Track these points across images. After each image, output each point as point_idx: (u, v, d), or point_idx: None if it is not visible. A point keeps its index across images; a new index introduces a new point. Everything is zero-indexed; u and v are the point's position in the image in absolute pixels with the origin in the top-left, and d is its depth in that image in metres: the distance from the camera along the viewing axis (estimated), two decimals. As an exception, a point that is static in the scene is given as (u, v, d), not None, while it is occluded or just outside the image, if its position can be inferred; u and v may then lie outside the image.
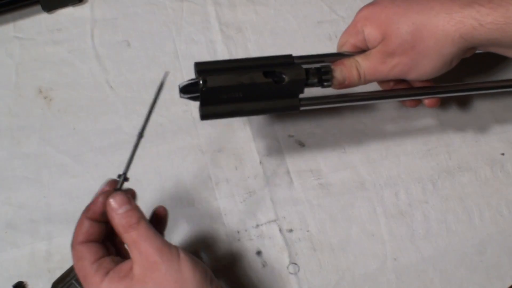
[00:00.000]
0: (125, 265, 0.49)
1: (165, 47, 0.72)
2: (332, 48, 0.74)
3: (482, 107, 0.73)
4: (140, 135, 0.52)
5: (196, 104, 0.69)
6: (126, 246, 0.51)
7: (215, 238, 0.64)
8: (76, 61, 0.70)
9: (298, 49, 0.74)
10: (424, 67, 0.57)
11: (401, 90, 0.63)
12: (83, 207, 0.64)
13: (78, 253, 0.49)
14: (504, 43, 0.55)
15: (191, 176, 0.66)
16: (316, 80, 0.58)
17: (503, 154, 0.71)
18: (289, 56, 0.58)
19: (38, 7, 0.72)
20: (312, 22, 0.76)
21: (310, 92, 0.59)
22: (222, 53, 0.73)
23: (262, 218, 0.65)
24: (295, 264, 0.64)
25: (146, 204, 0.64)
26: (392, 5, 0.58)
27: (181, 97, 0.55)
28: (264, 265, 0.63)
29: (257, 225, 0.65)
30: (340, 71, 0.58)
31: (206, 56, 0.72)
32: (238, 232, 0.65)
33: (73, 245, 0.50)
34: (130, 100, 0.69)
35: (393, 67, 0.58)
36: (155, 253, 0.48)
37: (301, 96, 0.58)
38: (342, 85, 0.59)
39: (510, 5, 0.53)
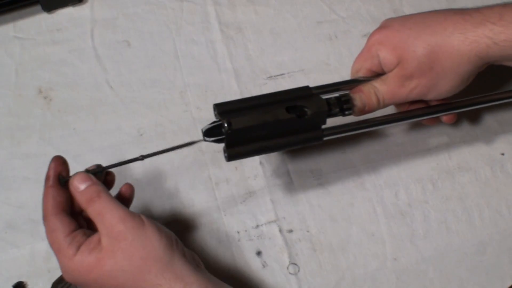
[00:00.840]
0: (94, 238, 0.51)
1: (165, 47, 0.72)
2: (331, 49, 0.74)
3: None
4: (143, 157, 0.55)
5: (196, 104, 0.70)
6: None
7: (215, 238, 0.64)
8: (76, 61, 0.70)
9: (298, 49, 0.74)
10: (442, 87, 0.58)
11: (419, 110, 0.63)
12: (83, 207, 0.64)
13: (52, 225, 0.51)
14: None
15: (191, 176, 0.66)
16: (338, 109, 0.58)
17: (503, 154, 0.71)
18: (307, 88, 0.58)
19: (38, 7, 0.72)
20: (312, 22, 0.76)
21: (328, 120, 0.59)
22: (222, 53, 0.73)
23: (262, 219, 0.65)
24: (295, 264, 0.64)
25: (146, 203, 0.65)
26: (404, 28, 0.58)
27: (205, 140, 0.55)
28: (264, 265, 0.63)
29: (257, 226, 0.65)
30: (360, 98, 0.59)
31: (206, 56, 0.72)
32: (238, 232, 0.65)
33: (46, 217, 0.52)
34: (130, 100, 0.69)
35: (412, 89, 0.58)
36: (119, 222, 0.50)
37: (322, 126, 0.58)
38: (363, 112, 0.59)
39: None
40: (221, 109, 0.54)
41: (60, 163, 0.53)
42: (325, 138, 0.58)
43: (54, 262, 0.61)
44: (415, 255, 0.65)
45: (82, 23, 0.72)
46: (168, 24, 0.74)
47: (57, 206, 0.52)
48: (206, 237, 0.64)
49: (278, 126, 0.54)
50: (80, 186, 0.51)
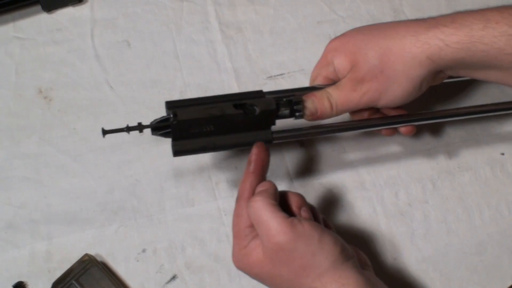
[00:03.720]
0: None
1: (165, 47, 0.72)
2: (332, 48, 0.74)
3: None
4: None
5: (196, 104, 0.70)
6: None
7: (215, 238, 0.64)
8: (76, 61, 0.70)
9: (298, 49, 0.74)
10: (394, 91, 0.57)
11: (376, 119, 0.62)
12: (83, 207, 0.64)
13: (241, 210, 0.52)
14: (470, 63, 0.55)
15: (191, 176, 0.66)
16: (287, 110, 0.57)
17: (503, 154, 0.71)
18: (260, 92, 0.58)
19: (38, 7, 0.72)
20: (312, 22, 0.76)
21: (285, 124, 0.59)
22: (222, 53, 0.73)
23: (262, 218, 0.65)
24: (295, 264, 0.64)
25: (146, 204, 0.65)
26: (358, 33, 0.59)
27: (152, 134, 0.55)
28: (264, 265, 0.63)
29: (257, 225, 0.65)
30: (312, 102, 0.58)
31: (206, 56, 0.72)
32: (238, 232, 0.64)
33: (239, 199, 0.53)
34: (130, 100, 0.69)
35: (363, 94, 0.57)
36: (275, 235, 0.50)
37: (274, 129, 0.58)
38: (315, 116, 0.59)
39: (473, 24, 0.53)
40: (172, 104, 0.55)
41: (263, 149, 0.54)
42: (276, 142, 0.58)
43: (54, 262, 0.61)
44: (415, 255, 0.65)
45: (82, 23, 0.72)
46: (168, 24, 0.74)
47: (251, 192, 0.53)
48: (205, 237, 0.64)
49: (225, 122, 0.55)
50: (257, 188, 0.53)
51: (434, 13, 0.76)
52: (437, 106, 0.72)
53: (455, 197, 0.68)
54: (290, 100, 0.58)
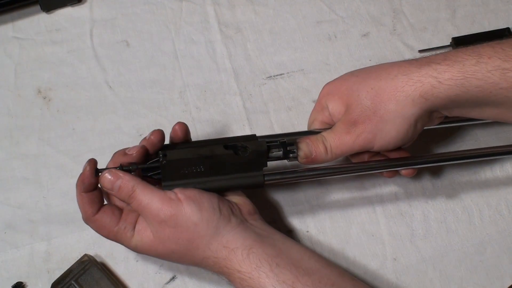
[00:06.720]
0: (142, 222, 0.54)
1: (164, 47, 0.72)
2: (331, 49, 0.74)
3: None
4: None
5: (195, 104, 0.70)
6: None
7: (214, 239, 0.64)
8: (75, 61, 0.70)
9: (297, 49, 0.74)
10: (388, 132, 0.55)
11: (374, 162, 0.60)
12: (82, 208, 0.64)
13: (98, 224, 0.54)
14: (465, 101, 0.54)
15: (191, 176, 0.66)
16: (280, 152, 0.57)
17: (502, 154, 0.71)
18: (253, 135, 0.58)
19: (37, 7, 0.72)
20: (312, 22, 0.76)
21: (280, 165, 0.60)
22: (221, 53, 0.72)
23: (262, 219, 0.65)
24: (295, 264, 0.64)
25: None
26: (351, 76, 0.58)
27: (144, 176, 0.56)
28: (264, 265, 0.63)
29: (257, 226, 0.65)
30: (306, 144, 0.57)
31: (206, 56, 0.72)
32: (238, 232, 0.64)
33: (88, 220, 0.54)
34: (129, 100, 0.69)
35: (357, 136, 0.56)
36: (158, 214, 0.52)
37: (267, 171, 0.57)
38: (309, 159, 0.57)
39: (466, 60, 0.52)
40: (165, 146, 0.56)
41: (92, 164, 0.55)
42: (268, 182, 0.57)
43: (53, 263, 0.61)
44: (415, 255, 0.65)
45: (81, 23, 0.72)
46: (167, 24, 0.74)
47: (94, 205, 0.54)
48: (205, 237, 0.64)
49: (215, 163, 0.55)
50: (112, 190, 0.53)
51: (433, 13, 0.77)
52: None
53: (455, 197, 0.68)
54: (284, 142, 0.57)
